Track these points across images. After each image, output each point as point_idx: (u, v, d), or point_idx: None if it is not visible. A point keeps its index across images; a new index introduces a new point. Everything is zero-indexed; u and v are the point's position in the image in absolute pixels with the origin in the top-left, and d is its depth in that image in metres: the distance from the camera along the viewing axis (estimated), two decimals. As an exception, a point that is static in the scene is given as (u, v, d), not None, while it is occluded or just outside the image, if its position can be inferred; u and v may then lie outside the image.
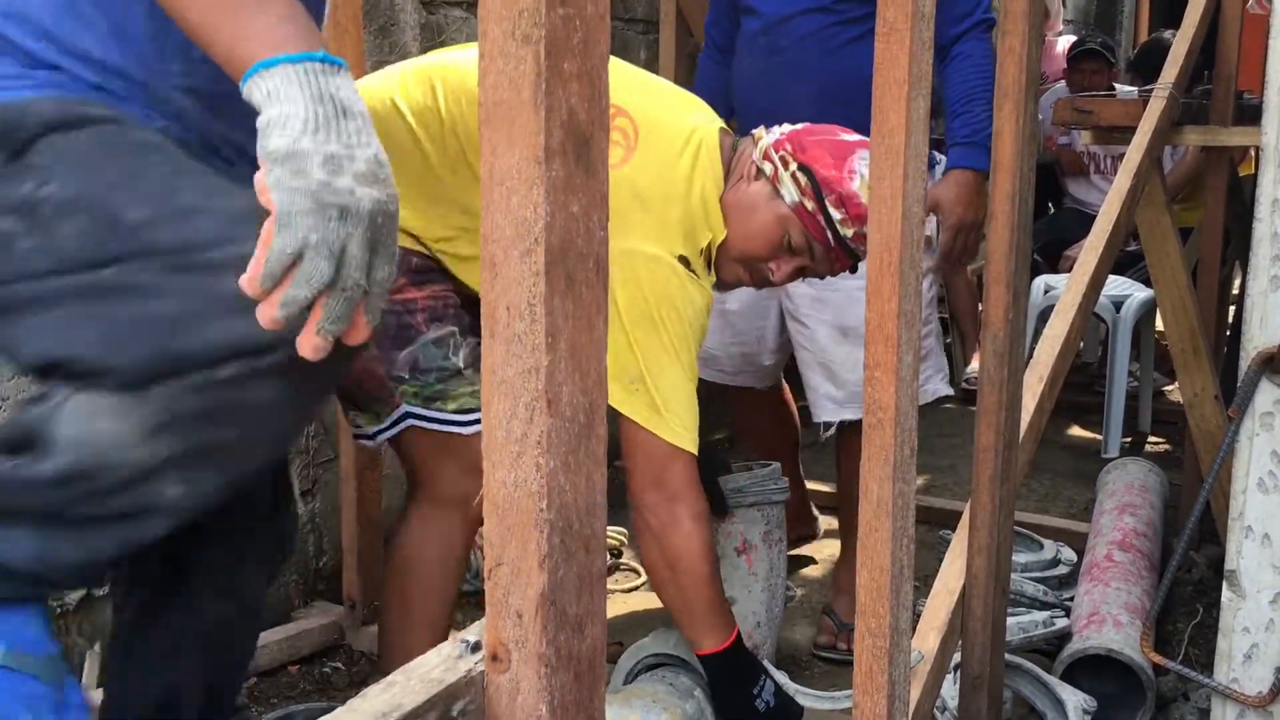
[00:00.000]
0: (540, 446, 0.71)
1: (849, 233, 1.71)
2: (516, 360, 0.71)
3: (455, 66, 1.69)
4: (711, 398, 2.29)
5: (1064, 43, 5.53)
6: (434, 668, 0.77)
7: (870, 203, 1.24)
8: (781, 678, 1.87)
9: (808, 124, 1.80)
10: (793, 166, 1.72)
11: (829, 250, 1.74)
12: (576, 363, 0.72)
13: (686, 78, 3.31)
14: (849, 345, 2.28)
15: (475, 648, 0.79)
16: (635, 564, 2.71)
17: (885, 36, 1.23)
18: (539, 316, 0.70)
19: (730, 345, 2.47)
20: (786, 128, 1.79)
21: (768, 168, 1.73)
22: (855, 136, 1.77)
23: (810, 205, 1.71)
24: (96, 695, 1.85)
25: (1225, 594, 1.47)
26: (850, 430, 2.28)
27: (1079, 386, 4.51)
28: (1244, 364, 1.41)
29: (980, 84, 2.16)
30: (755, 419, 2.67)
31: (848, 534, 2.45)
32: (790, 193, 1.71)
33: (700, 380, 1.78)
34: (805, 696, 1.85)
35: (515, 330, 0.71)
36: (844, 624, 2.34)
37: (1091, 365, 4.65)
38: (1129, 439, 3.80)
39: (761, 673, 1.79)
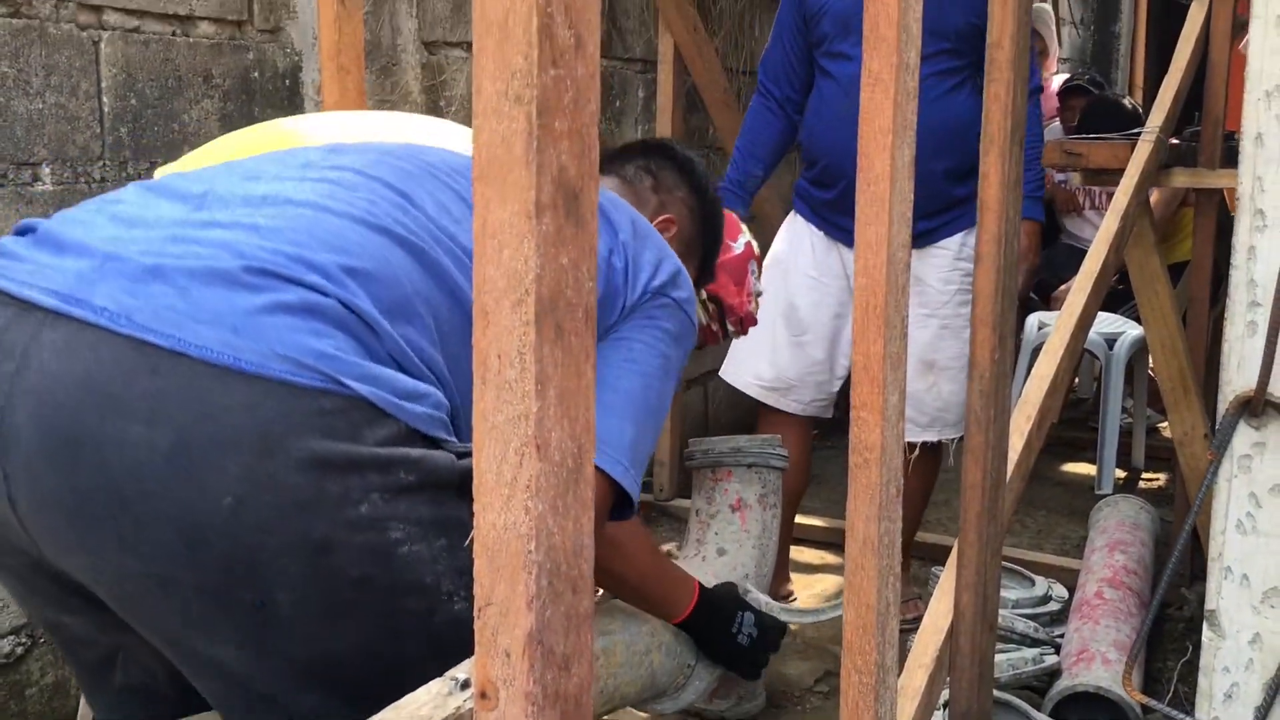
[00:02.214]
0: (529, 490, 0.73)
1: (735, 330, 2.00)
2: (507, 406, 0.73)
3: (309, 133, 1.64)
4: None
5: (1059, 81, 5.59)
6: (424, 704, 0.79)
7: (856, 247, 1.27)
8: (763, 598, 1.95)
9: None
10: (703, 295, 1.89)
11: (714, 343, 2.03)
12: (565, 409, 0.74)
13: (684, 116, 3.36)
14: (933, 377, 2.54)
15: (465, 685, 0.81)
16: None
17: (870, 87, 1.26)
18: (529, 364, 0.72)
19: (808, 375, 2.62)
20: None
21: None
22: (741, 244, 1.98)
23: (715, 327, 1.95)
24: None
25: (1206, 634, 1.49)
26: (926, 450, 2.61)
27: (1074, 423, 4.54)
28: (1222, 407, 1.44)
29: (1032, 149, 2.39)
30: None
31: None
32: (699, 315, 1.83)
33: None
34: (790, 614, 1.95)
35: (506, 377, 0.73)
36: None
37: (1086, 401, 4.68)
38: (1123, 475, 3.82)
39: (738, 609, 1.83)
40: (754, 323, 2.04)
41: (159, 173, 1.60)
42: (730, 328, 2.00)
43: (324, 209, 1.08)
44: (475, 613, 0.76)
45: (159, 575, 0.96)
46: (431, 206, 1.13)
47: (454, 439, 1.04)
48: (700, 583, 1.82)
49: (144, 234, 1.04)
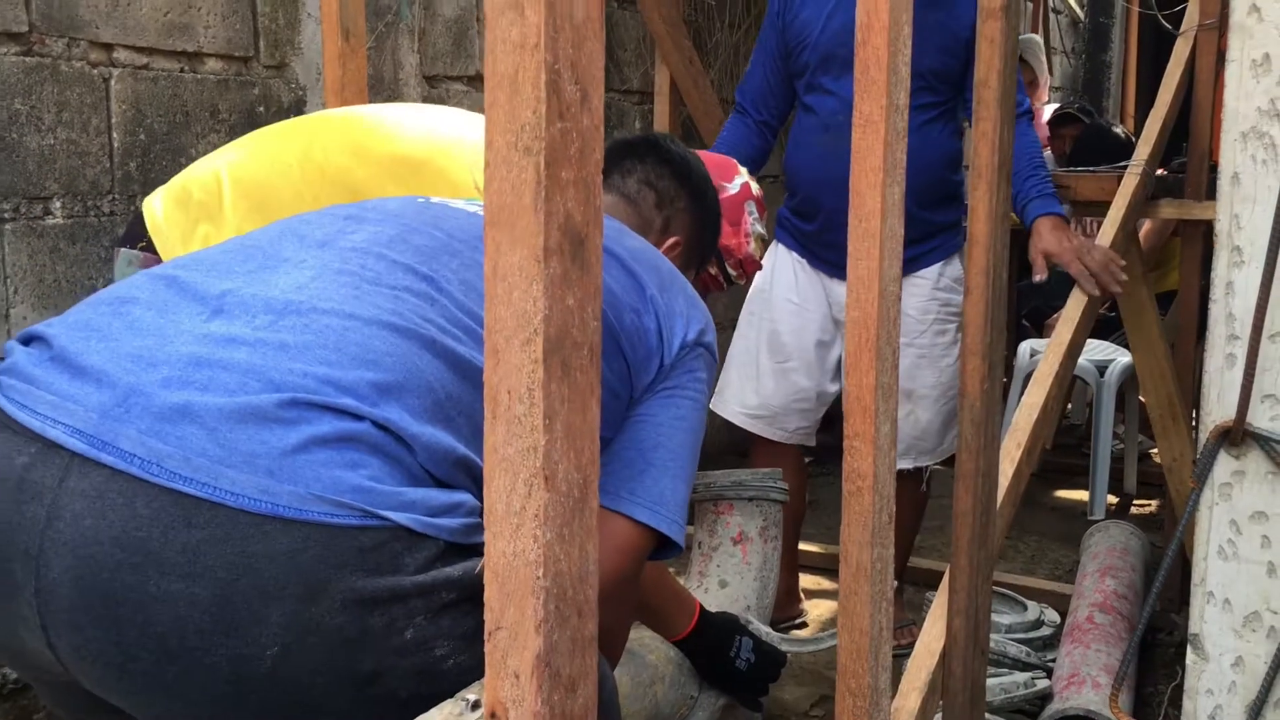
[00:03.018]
0: (538, 519, 0.77)
1: (737, 274, 2.02)
2: (516, 440, 0.77)
3: (332, 122, 1.75)
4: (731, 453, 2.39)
5: (1050, 111, 5.66)
6: (437, 724, 0.83)
7: (849, 282, 1.31)
8: (763, 629, 1.97)
9: None
10: None
11: (718, 290, 2.03)
12: (571, 442, 0.78)
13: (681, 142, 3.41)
14: (910, 405, 2.57)
15: (475, 705, 0.85)
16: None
17: (861, 128, 1.31)
18: (537, 400, 0.76)
19: (792, 402, 2.65)
20: None
21: None
22: (736, 185, 2.00)
23: (714, 270, 1.95)
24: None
25: (1190, 657, 1.52)
26: (906, 477, 2.60)
27: (1067, 449, 4.58)
28: (1202, 437, 1.48)
29: (1039, 158, 2.49)
30: None
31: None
32: None
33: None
34: (789, 643, 1.97)
35: (515, 412, 0.77)
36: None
37: (1080, 427, 4.72)
38: (1115, 500, 3.86)
39: (737, 634, 1.86)
40: (755, 265, 2.05)
41: (159, 192, 1.64)
42: (731, 272, 2.01)
43: (350, 315, 1.07)
44: (485, 636, 0.79)
45: (208, 716, 0.98)
46: (457, 288, 1.14)
47: None
48: (702, 605, 1.86)
49: (164, 354, 1.02)
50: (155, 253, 1.56)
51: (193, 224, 1.57)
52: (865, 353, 1.33)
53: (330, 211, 1.26)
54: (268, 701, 0.96)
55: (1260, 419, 1.45)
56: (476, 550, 1.03)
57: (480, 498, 1.06)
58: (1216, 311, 1.47)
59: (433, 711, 0.86)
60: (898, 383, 1.39)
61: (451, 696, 1.02)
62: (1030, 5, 7.06)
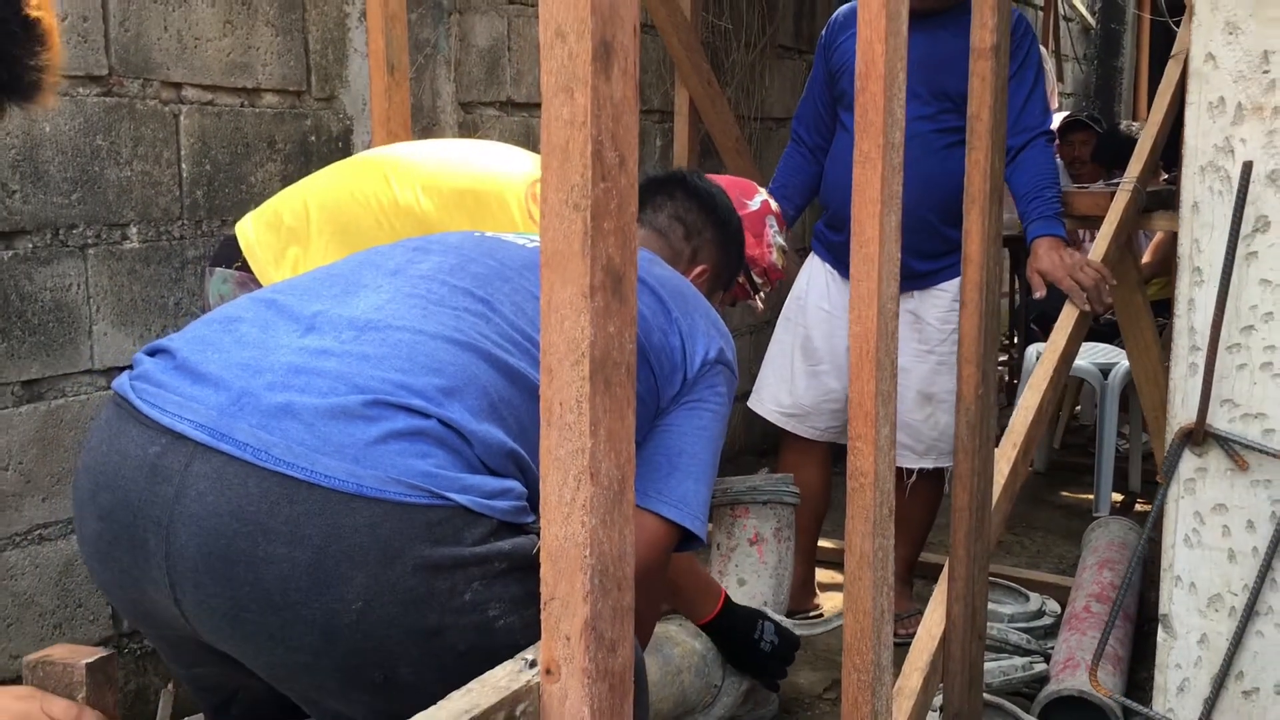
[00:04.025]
0: (585, 509, 0.93)
1: (762, 281, 2.17)
2: (567, 443, 0.94)
3: (403, 160, 1.91)
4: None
5: (1059, 119, 5.79)
6: (502, 678, 1.00)
7: (851, 301, 1.47)
8: (780, 618, 2.16)
9: (722, 186, 2.13)
10: None
11: (747, 298, 2.19)
12: (612, 444, 0.95)
13: (699, 162, 3.58)
14: (930, 408, 2.73)
15: (532, 664, 1.01)
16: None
17: (861, 164, 1.47)
18: (584, 410, 0.93)
19: (823, 402, 2.81)
20: None
21: None
22: (757, 202, 2.17)
23: (741, 279, 2.10)
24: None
25: (1160, 635, 1.68)
26: (926, 476, 2.80)
27: (1076, 449, 4.72)
28: (1169, 438, 1.64)
29: (1049, 178, 2.65)
30: (803, 476, 2.92)
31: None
32: None
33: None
34: (802, 627, 2.16)
35: (566, 420, 0.94)
36: (895, 615, 2.65)
37: (1089, 428, 4.85)
38: (1120, 499, 4.00)
39: (760, 619, 2.05)
40: (779, 274, 2.21)
41: (249, 218, 1.83)
42: (756, 280, 2.16)
43: (419, 331, 1.25)
44: (541, 606, 0.96)
45: (303, 661, 1.17)
46: (509, 309, 1.33)
47: (534, 518, 1.23)
48: (727, 592, 2.04)
49: (268, 363, 1.21)
50: (249, 271, 1.76)
51: (283, 246, 1.76)
52: (866, 363, 1.49)
53: (401, 244, 1.46)
54: (352, 649, 1.14)
55: (1219, 421, 1.61)
56: (524, 529, 1.21)
57: (526, 485, 1.24)
58: (1180, 325, 1.63)
59: (496, 669, 1.02)
60: (896, 389, 1.54)
61: (501, 651, 1.19)
62: (1041, 14, 7.19)
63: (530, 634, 1.21)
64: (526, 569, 1.20)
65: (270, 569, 1.12)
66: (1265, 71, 1.56)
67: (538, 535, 1.22)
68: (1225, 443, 1.60)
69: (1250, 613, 1.61)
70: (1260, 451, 1.59)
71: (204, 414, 1.17)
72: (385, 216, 1.76)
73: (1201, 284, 1.61)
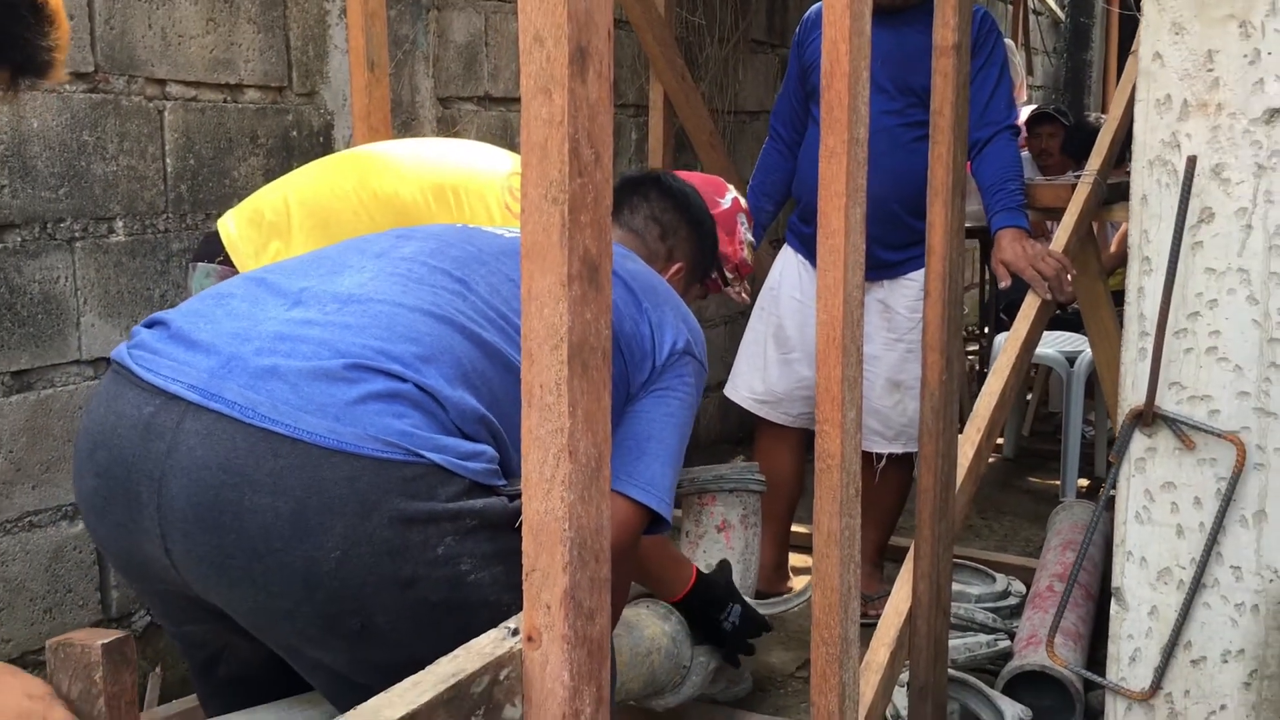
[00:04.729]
0: (564, 485, 0.99)
1: (734, 277, 2.23)
2: (547, 423, 0.99)
3: (381, 157, 1.98)
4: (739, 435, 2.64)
5: (1027, 111, 5.88)
6: (487, 645, 1.05)
7: (818, 290, 1.53)
8: (748, 601, 2.24)
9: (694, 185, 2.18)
10: None
11: (718, 292, 2.24)
12: (589, 424, 1.01)
13: (673, 156, 3.64)
14: (899, 395, 2.81)
15: (515, 632, 1.07)
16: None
17: (827, 159, 1.53)
18: (563, 392, 0.99)
19: (795, 389, 2.89)
20: None
21: None
22: (728, 200, 2.22)
23: (715, 275, 2.15)
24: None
25: (1113, 607, 1.76)
26: (895, 461, 2.87)
27: (1045, 435, 4.82)
28: (1120, 419, 1.72)
29: (1013, 171, 2.72)
30: (776, 462, 2.99)
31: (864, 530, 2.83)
32: None
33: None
34: (765, 607, 2.29)
35: (546, 401, 1.00)
36: (865, 595, 2.77)
37: (1058, 415, 4.95)
38: (1086, 484, 4.09)
39: (730, 602, 2.14)
40: (749, 269, 2.29)
41: (230, 214, 1.88)
42: (728, 275, 2.23)
43: (398, 304, 1.32)
44: (524, 578, 1.02)
45: (285, 608, 1.23)
46: (484, 289, 1.40)
47: (505, 483, 1.31)
48: (699, 569, 2.10)
49: (256, 332, 1.28)
50: (232, 265, 1.82)
51: (265, 241, 1.81)
52: (833, 350, 1.55)
53: (386, 233, 1.53)
54: (331, 596, 1.21)
55: (1167, 403, 1.69)
56: (495, 491, 1.28)
57: (498, 450, 1.32)
58: (1130, 312, 1.71)
59: (481, 638, 1.08)
60: (862, 375, 1.61)
61: (471, 604, 1.26)
62: (1010, 7, 7.28)
63: (498, 589, 1.28)
64: (497, 528, 1.27)
65: (254, 518, 1.18)
66: (1209, 70, 1.64)
67: (509, 498, 1.29)
68: (1173, 423, 1.68)
69: (1197, 585, 1.69)
70: (1206, 432, 1.67)
71: (196, 376, 1.24)
72: (365, 210, 1.82)
73: (1150, 273, 1.69)
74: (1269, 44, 1.60)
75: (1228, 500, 1.65)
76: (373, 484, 1.19)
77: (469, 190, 1.86)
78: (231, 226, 1.86)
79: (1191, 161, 1.63)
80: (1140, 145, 1.68)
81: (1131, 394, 1.71)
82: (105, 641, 1.10)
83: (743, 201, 2.32)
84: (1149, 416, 1.69)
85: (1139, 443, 1.70)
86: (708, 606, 2.11)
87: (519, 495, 1.05)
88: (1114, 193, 2.81)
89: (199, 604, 1.30)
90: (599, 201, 1.01)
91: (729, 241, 2.24)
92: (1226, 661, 1.69)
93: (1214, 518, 1.66)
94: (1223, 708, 1.71)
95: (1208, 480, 1.67)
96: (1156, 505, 1.71)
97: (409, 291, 1.35)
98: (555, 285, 0.99)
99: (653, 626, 2.16)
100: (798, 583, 3.16)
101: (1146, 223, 1.69)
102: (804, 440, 3.01)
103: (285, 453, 1.19)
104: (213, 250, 1.86)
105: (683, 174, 2.16)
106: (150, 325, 1.36)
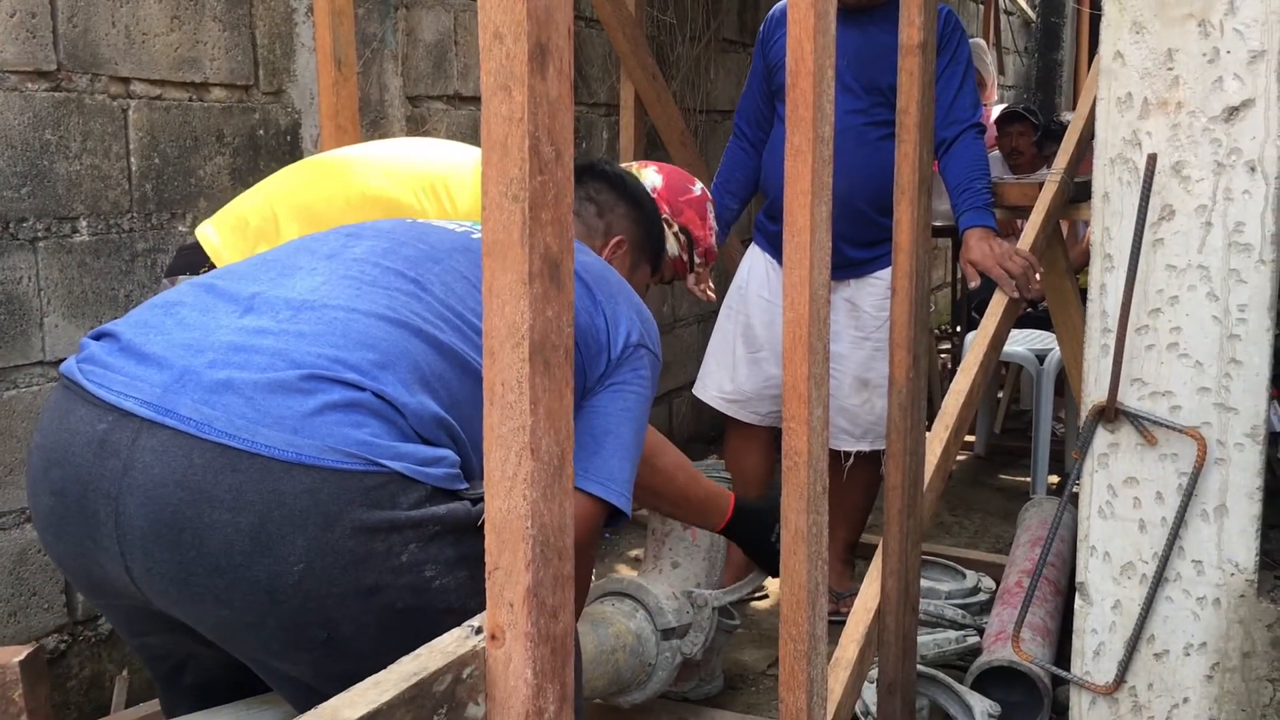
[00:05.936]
0: (526, 483, 0.99)
1: (700, 262, 2.20)
2: (509, 420, 0.99)
3: (360, 158, 1.97)
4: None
5: (998, 111, 5.91)
6: (450, 643, 1.05)
7: (784, 288, 1.54)
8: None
9: (665, 174, 2.16)
10: (675, 228, 2.11)
11: (683, 274, 2.20)
12: (551, 422, 1.01)
13: (645, 154, 3.65)
14: (867, 393, 2.81)
15: (478, 630, 1.07)
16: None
17: (792, 157, 1.53)
18: (525, 390, 0.98)
19: (764, 388, 2.89)
20: (657, 181, 2.14)
21: None
22: (699, 188, 2.19)
23: (684, 257, 2.14)
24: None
25: (1077, 602, 1.78)
26: (864, 459, 2.87)
27: (1015, 433, 4.85)
28: (1083, 415, 1.73)
29: (979, 170, 2.73)
30: (745, 460, 3.00)
31: (833, 527, 2.83)
32: (671, 248, 2.08)
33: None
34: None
35: (508, 400, 1.00)
36: (835, 593, 2.78)
37: (1029, 413, 4.98)
38: (1056, 480, 4.12)
39: (774, 520, 2.07)
40: (714, 256, 2.28)
41: (210, 224, 1.86)
42: (696, 259, 2.22)
43: (352, 310, 1.31)
44: (486, 575, 1.02)
45: (248, 621, 1.22)
46: (439, 289, 1.39)
47: (468, 485, 1.30)
48: (737, 497, 2.08)
49: (209, 342, 1.26)
50: None
51: (252, 247, 1.79)
52: (799, 347, 1.55)
53: (335, 231, 1.51)
54: (295, 608, 1.20)
55: (1130, 399, 1.71)
56: (458, 496, 1.27)
57: (460, 454, 1.31)
58: (1093, 309, 1.72)
59: (445, 636, 1.07)
60: (828, 373, 1.61)
61: (436, 610, 1.25)
62: (982, 7, 7.32)
63: (463, 594, 1.27)
64: (461, 533, 1.26)
65: (215, 534, 1.17)
66: (1169, 69, 1.65)
67: (471, 502, 1.29)
68: (1135, 419, 1.69)
69: (1160, 579, 1.71)
70: (1167, 427, 1.68)
71: (149, 391, 1.22)
72: (354, 209, 1.80)
73: (1112, 270, 1.71)
74: (1228, 43, 1.62)
75: (1189, 495, 1.66)
76: (333, 495, 1.18)
77: (459, 183, 1.86)
78: (214, 235, 1.83)
79: (1152, 159, 1.65)
80: (1102, 143, 1.70)
81: (1095, 390, 1.73)
82: (20, 659, 1.09)
83: (708, 193, 2.32)
84: (1111, 412, 1.70)
85: (1102, 438, 1.72)
86: (759, 529, 2.08)
87: (482, 498, 1.04)
88: (1081, 191, 2.83)
89: (161, 617, 1.29)
90: (560, 199, 1.01)
91: (702, 225, 2.23)
92: (1189, 655, 1.71)
93: (1176, 512, 1.67)
94: (1185, 700, 1.73)
95: (1169, 475, 1.69)
96: (1119, 500, 1.72)
97: (362, 295, 1.34)
98: (516, 283, 0.99)
99: (618, 624, 2.17)
100: (767, 581, 3.16)
101: (1108, 220, 1.71)
102: (773, 439, 3.02)
103: (244, 467, 1.17)
104: (195, 261, 1.82)
105: (654, 165, 2.18)
106: (98, 337, 1.33)
